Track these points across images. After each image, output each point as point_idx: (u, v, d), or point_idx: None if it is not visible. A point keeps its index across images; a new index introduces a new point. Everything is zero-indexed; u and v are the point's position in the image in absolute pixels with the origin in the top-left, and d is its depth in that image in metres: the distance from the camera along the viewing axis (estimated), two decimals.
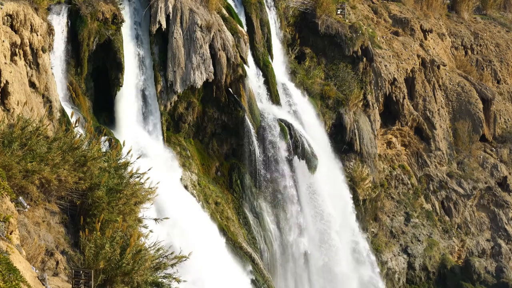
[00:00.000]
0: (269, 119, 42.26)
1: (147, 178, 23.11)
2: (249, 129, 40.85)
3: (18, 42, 29.02)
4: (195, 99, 39.95)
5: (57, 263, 19.46)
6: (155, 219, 23.19)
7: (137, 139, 36.40)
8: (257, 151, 41.23)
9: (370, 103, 51.11)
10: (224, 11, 42.08)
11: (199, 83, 38.79)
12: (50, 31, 32.12)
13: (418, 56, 57.03)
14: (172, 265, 20.99)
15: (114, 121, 36.48)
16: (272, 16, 47.58)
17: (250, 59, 42.91)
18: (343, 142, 48.59)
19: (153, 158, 35.97)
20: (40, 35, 30.52)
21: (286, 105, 45.31)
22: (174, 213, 33.04)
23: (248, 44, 42.06)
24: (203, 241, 34.32)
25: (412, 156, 56.15)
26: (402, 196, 54.13)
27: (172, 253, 21.08)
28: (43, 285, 16.91)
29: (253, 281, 38.03)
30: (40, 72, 30.61)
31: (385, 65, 53.33)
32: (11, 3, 29.07)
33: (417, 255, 52.10)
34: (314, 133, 45.70)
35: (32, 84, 30.13)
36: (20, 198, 19.17)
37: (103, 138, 29.92)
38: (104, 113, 36.48)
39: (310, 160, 43.28)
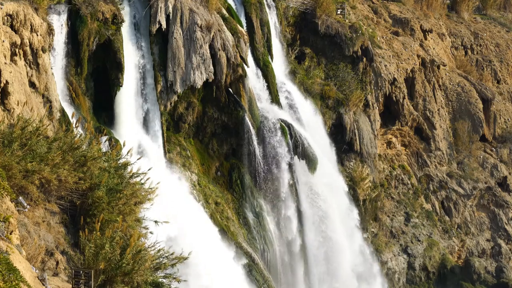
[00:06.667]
0: (269, 119, 42.25)
1: (148, 179, 23.12)
2: (249, 129, 40.84)
3: (18, 42, 29.00)
4: (195, 99, 39.95)
5: (57, 263, 19.46)
6: (155, 221, 23.18)
7: (137, 139, 36.40)
8: (257, 151, 41.22)
9: (370, 103, 51.10)
10: (224, 11, 42.07)
11: (199, 83, 38.78)
12: (50, 31, 32.09)
13: (418, 56, 57.03)
14: (172, 265, 21.00)
15: (114, 121, 36.47)
16: (272, 16, 47.57)
17: (250, 59, 42.90)
18: (343, 142, 48.59)
19: (153, 158, 35.98)
20: (40, 35, 30.51)
21: (286, 105, 45.30)
22: (174, 213, 33.01)
23: (248, 44, 42.05)
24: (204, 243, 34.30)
25: (412, 156, 56.15)
26: (402, 196, 54.12)
27: (172, 254, 21.08)
28: (43, 285, 16.91)
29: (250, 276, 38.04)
30: (40, 72, 30.60)
31: (385, 65, 53.33)
32: (11, 3, 29.07)
33: (417, 255, 52.10)
34: (314, 133, 45.69)
35: (32, 84, 30.12)
36: (20, 198, 19.16)
37: (103, 138, 29.92)
38: (104, 113, 36.46)
39: (310, 160, 43.28)
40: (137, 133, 36.94)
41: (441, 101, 58.43)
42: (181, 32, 38.50)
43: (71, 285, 18.50)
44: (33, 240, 18.92)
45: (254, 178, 41.53)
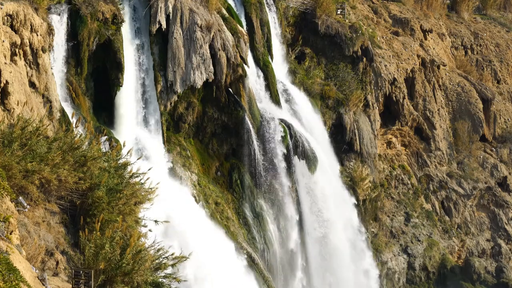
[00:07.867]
0: (269, 119, 42.25)
1: (147, 179, 23.11)
2: (249, 129, 40.84)
3: (18, 42, 29.00)
4: (195, 99, 39.95)
5: (57, 263, 19.46)
6: (155, 221, 23.18)
7: (137, 139, 36.40)
8: (257, 151, 41.22)
9: (370, 103, 51.10)
10: (224, 11, 42.06)
11: (199, 83, 38.78)
12: (50, 31, 32.09)
13: (418, 56, 57.02)
14: (172, 265, 21.00)
15: (114, 121, 36.47)
16: (272, 16, 47.57)
17: (250, 59, 42.90)
18: (343, 142, 48.58)
19: (153, 158, 35.98)
20: (40, 35, 30.51)
21: (286, 105, 45.31)
22: (175, 214, 33.03)
23: (248, 44, 42.04)
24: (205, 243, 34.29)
25: (412, 156, 56.15)
26: (402, 196, 54.12)
27: (172, 254, 21.08)
28: (43, 285, 16.91)
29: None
30: (40, 72, 30.60)
31: (385, 65, 53.33)
32: (11, 3, 29.07)
33: (417, 255, 52.10)
34: (314, 133, 45.70)
35: (32, 84, 30.12)
36: (20, 198, 19.16)
37: (103, 138, 29.91)
38: (104, 113, 36.46)
39: (310, 160, 43.27)
40: (137, 133, 36.93)
41: (441, 101, 58.43)
42: (181, 32, 38.49)
43: (71, 285, 18.50)
44: (33, 240, 18.91)
45: (254, 178, 41.53)
